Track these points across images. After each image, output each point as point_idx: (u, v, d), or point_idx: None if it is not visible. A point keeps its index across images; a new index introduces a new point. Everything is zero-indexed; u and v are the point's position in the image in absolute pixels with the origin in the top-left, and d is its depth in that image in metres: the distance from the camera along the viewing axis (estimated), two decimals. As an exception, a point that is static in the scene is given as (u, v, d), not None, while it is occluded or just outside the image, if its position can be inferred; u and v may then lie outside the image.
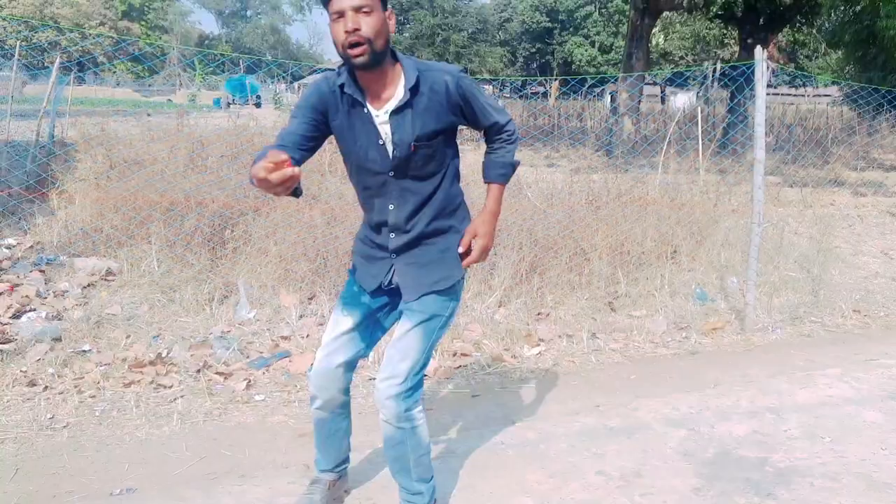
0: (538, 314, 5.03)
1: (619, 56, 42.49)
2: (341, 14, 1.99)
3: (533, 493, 2.78)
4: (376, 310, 2.44)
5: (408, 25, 45.08)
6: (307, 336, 4.55)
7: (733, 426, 3.37)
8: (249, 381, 3.87)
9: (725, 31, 33.85)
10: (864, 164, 16.23)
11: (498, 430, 3.29)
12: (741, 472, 2.95)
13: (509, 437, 3.23)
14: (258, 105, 34.30)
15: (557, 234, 5.93)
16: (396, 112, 2.14)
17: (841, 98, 29.16)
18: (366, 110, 2.15)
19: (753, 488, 2.83)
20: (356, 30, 1.98)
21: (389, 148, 2.17)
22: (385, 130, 2.17)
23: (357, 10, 1.98)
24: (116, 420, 3.36)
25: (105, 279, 5.47)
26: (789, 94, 37.98)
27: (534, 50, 51.13)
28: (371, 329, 2.46)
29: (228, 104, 33.91)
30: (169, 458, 3.05)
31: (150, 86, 47.98)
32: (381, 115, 2.16)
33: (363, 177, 2.26)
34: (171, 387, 3.78)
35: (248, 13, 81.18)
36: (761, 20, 16.19)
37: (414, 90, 2.14)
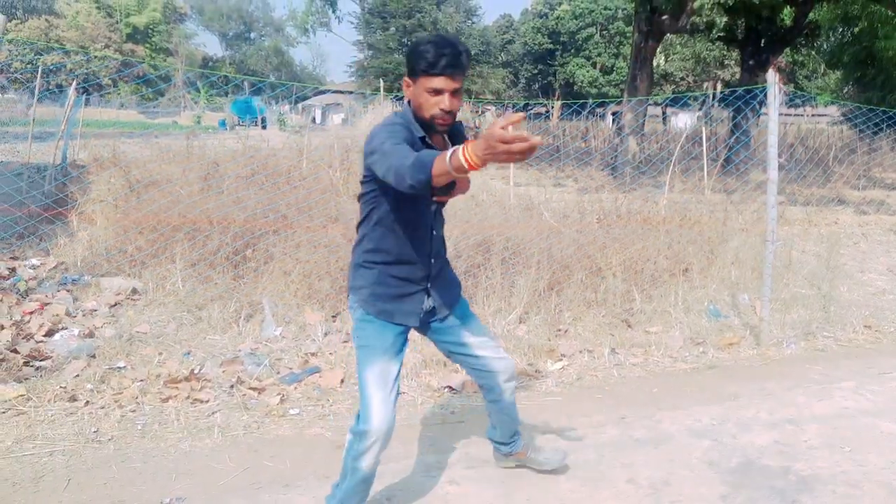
0: (557, 330, 5.16)
1: (620, 77, 42.93)
2: (440, 92, 2.26)
3: (567, 501, 2.90)
4: (402, 341, 2.56)
5: (411, 47, 45.66)
6: (333, 353, 4.67)
7: (755, 437, 3.49)
8: (283, 395, 3.99)
9: (725, 53, 34.29)
10: (865, 182, 16.41)
11: (527, 440, 3.40)
12: (766, 480, 3.07)
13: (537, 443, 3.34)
14: (264, 126, 34.55)
15: (572, 252, 6.07)
16: None
17: (840, 118, 29.45)
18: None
19: (778, 495, 2.94)
20: (451, 112, 2.29)
21: None
22: None
23: (453, 92, 2.27)
24: (159, 433, 3.49)
25: (131, 298, 5.60)
26: (789, 115, 38.30)
27: (536, 71, 51.60)
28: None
29: (234, 125, 34.14)
30: (213, 468, 3.17)
31: (154, 108, 48.34)
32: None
33: (419, 206, 2.41)
34: (207, 402, 3.90)
35: (252, 35, 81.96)
36: (762, 42, 16.43)
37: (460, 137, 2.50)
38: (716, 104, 25.99)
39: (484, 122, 24.97)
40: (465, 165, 1.85)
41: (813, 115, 38.30)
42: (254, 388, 4.10)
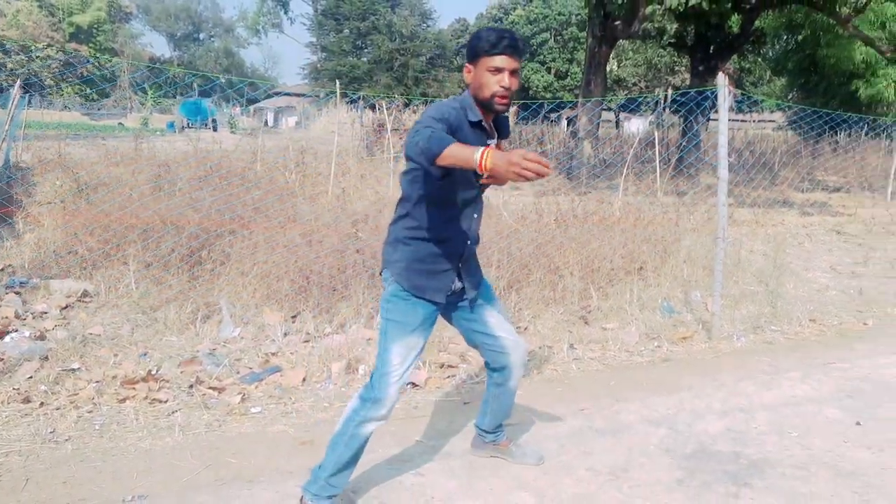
0: (517, 328, 5.23)
1: (574, 82, 43.45)
2: (500, 70, 2.44)
3: (530, 489, 2.96)
4: (433, 318, 2.69)
5: (366, 50, 45.49)
6: (294, 353, 4.66)
7: (708, 425, 3.60)
8: (244, 394, 3.98)
9: (676, 59, 35.01)
10: (809, 185, 16.95)
11: (491, 433, 3.46)
12: (719, 465, 3.18)
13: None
14: (214, 129, 34.03)
15: (531, 252, 6.16)
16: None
17: (785, 123, 30.30)
18: (488, 141, 2.59)
19: (731, 478, 3.05)
20: (510, 88, 2.47)
21: None
22: None
23: (512, 72, 2.46)
24: (118, 433, 3.45)
25: (82, 301, 5.51)
26: (736, 120, 39.29)
27: (490, 75, 51.73)
28: None
29: (183, 128, 33.56)
30: (175, 466, 3.15)
31: (99, 109, 47.24)
32: (492, 144, 2.60)
33: (465, 188, 2.56)
34: (166, 401, 3.87)
35: (201, 36, 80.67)
36: (711, 48, 16.85)
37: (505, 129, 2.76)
38: (667, 109, 26.53)
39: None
40: (477, 161, 2.08)
41: (759, 121, 39.37)
42: (214, 388, 4.07)
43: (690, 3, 11.95)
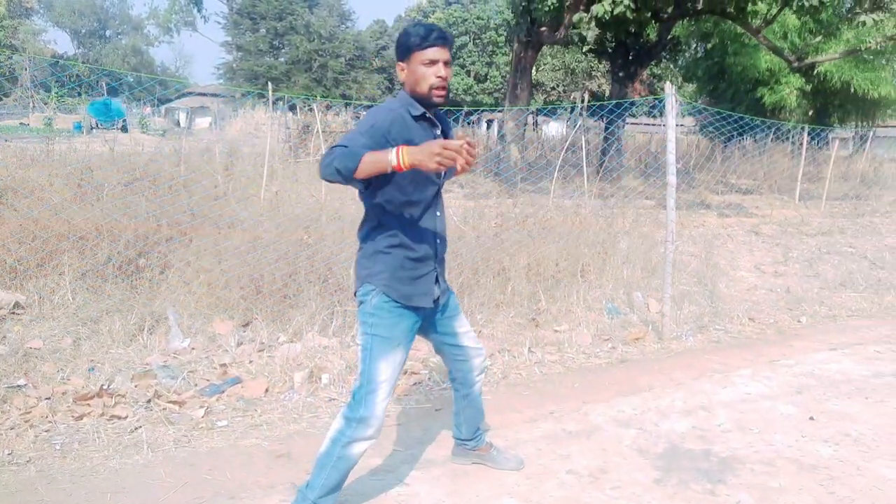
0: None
1: (494, 85, 43.98)
2: (434, 62, 2.47)
3: (515, 494, 2.99)
4: (415, 330, 2.70)
5: (284, 50, 44.72)
6: (252, 362, 4.56)
7: (674, 424, 3.73)
8: (206, 408, 3.86)
9: (593, 64, 35.93)
10: (723, 188, 17.69)
11: (468, 440, 3.47)
12: (691, 463, 3.29)
13: (480, 446, 3.42)
14: (124, 129, 32.70)
15: (479, 255, 6.22)
16: (445, 135, 2.67)
17: (696, 127, 31.51)
18: (436, 132, 2.61)
19: (705, 476, 3.17)
20: (445, 78, 2.49)
21: None
22: None
23: (445, 63, 2.49)
24: (81, 452, 3.29)
25: (14, 313, 5.23)
26: (648, 124, 40.65)
27: (410, 77, 51.72)
28: None
29: (91, 128, 32.12)
30: (150, 485, 3.03)
31: (-2, 108, 44.70)
32: (439, 135, 2.63)
33: (425, 187, 2.58)
34: (125, 417, 3.72)
35: (108, 33, 77.49)
36: (630, 55, 17.38)
37: (446, 122, 2.75)
38: (584, 114, 27.16)
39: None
40: (394, 163, 2.22)
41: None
42: (174, 402, 3.94)
43: (616, 12, 12.29)
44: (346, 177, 2.24)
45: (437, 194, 2.67)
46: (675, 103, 5.09)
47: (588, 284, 6.51)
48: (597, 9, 12.50)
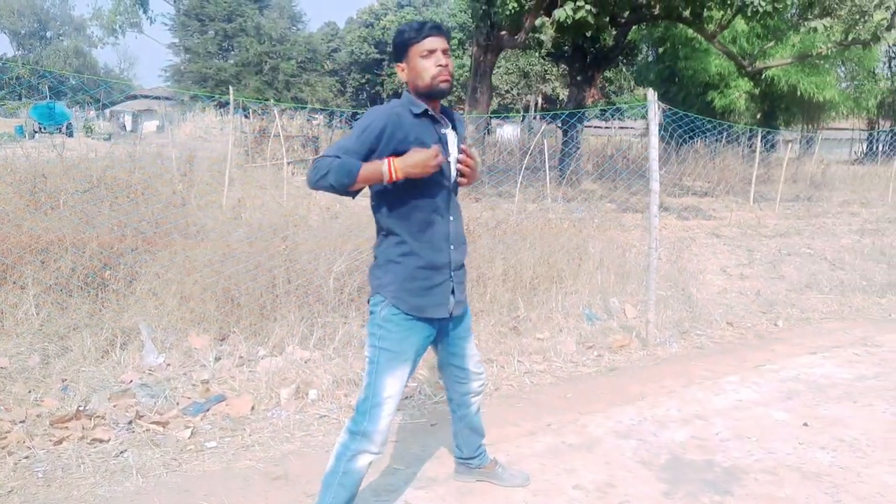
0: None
1: (446, 88, 43.81)
2: (433, 52, 2.41)
3: (525, 512, 2.93)
4: (426, 345, 2.61)
5: (233, 52, 43.97)
6: (233, 378, 4.41)
7: (673, 433, 3.71)
8: (192, 428, 3.71)
9: (547, 68, 36.19)
10: (679, 191, 17.98)
11: (469, 456, 3.39)
12: (696, 475, 3.27)
13: (482, 462, 3.34)
14: (70, 134, 31.72)
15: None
16: (457, 132, 2.57)
17: (645, 129, 32.06)
18: (444, 130, 2.51)
19: (712, 488, 3.15)
20: (446, 65, 2.42)
21: (453, 164, 2.52)
22: (451, 148, 2.52)
23: (444, 51, 2.43)
24: (66, 480, 3.11)
25: (-27, 329, 4.96)
26: (599, 127, 41.19)
27: (363, 80, 51.56)
28: None
29: (34, 133, 31.08)
30: (144, 514, 2.88)
31: (-69, 111, 43.02)
32: (449, 133, 2.53)
33: (432, 191, 2.47)
34: (108, 440, 3.54)
35: (49, 34, 75.27)
36: (588, 59, 17.55)
37: (458, 120, 2.61)
38: (537, 116, 27.40)
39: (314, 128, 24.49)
40: (387, 177, 2.28)
41: (620, 128, 41.41)
42: (157, 423, 3.77)
43: (577, 17, 12.37)
44: (339, 192, 2.24)
45: (449, 198, 2.56)
46: (658, 110, 5.10)
47: (565, 290, 6.49)
48: (558, 13, 12.56)
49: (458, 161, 2.51)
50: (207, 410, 3.96)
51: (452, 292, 2.57)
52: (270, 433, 3.69)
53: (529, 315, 5.87)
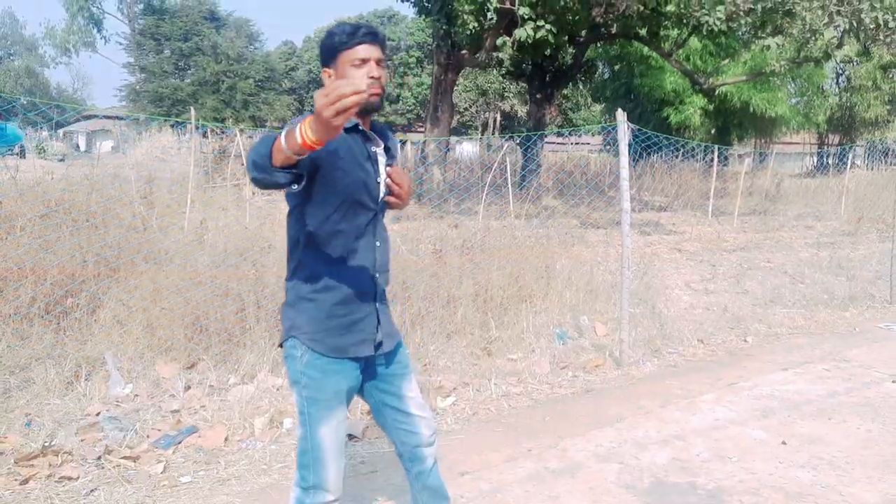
0: (424, 365, 5.13)
1: (406, 106, 43.99)
2: (365, 61, 2.15)
3: (513, 542, 2.88)
4: (357, 385, 2.31)
5: (189, 72, 43.45)
6: (204, 407, 4.29)
7: (654, 456, 3.70)
8: (165, 462, 3.59)
9: (505, 85, 36.57)
10: (638, 205, 18.20)
11: (453, 484, 3.33)
12: (680, 498, 3.26)
13: (466, 490, 3.30)
14: (22, 155, 30.90)
15: (422, 283, 6.09)
16: (388, 151, 2.32)
17: (604, 145, 32.50)
18: (372, 148, 2.25)
19: (697, 510, 3.14)
20: (379, 78, 2.16)
21: (381, 185, 2.26)
22: (382, 168, 2.27)
23: (378, 61, 2.17)
24: (35, 524, 2.98)
25: (-73, 363, 4.77)
26: (554, 143, 41.65)
27: (321, 99, 51.24)
28: None
29: (-17, 154, 30.14)
30: (118, 558, 2.76)
31: None
32: (380, 152, 2.28)
33: (355, 213, 2.20)
34: (77, 478, 3.41)
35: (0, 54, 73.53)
36: (547, 77, 17.74)
37: (389, 138, 2.35)
38: (496, 133, 27.61)
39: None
40: (299, 140, 1.76)
41: (577, 144, 41.92)
42: (127, 457, 3.64)
43: (538, 36, 12.49)
44: (264, 167, 1.85)
45: (376, 221, 2.28)
46: (627, 130, 5.15)
47: (535, 309, 6.48)
48: (519, 33, 12.68)
49: (387, 184, 2.27)
50: (179, 443, 3.84)
51: (378, 325, 2.29)
52: (246, 466, 3.59)
53: (501, 335, 5.85)
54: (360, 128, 2.21)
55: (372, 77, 2.14)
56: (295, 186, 1.96)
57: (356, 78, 2.12)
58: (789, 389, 4.72)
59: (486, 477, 3.44)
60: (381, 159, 2.28)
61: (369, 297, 2.26)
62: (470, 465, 3.57)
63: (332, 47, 2.17)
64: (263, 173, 1.85)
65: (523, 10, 12.58)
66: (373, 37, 2.17)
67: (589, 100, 32.60)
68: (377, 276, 2.28)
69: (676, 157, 22.39)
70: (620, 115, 5.18)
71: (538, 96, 17.85)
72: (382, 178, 2.27)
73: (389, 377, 2.36)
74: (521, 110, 37.78)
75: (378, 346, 2.28)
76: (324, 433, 2.19)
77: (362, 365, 2.28)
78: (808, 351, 5.72)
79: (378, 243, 2.28)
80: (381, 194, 2.26)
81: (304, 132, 1.74)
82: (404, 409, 2.39)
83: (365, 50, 2.14)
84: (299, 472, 2.24)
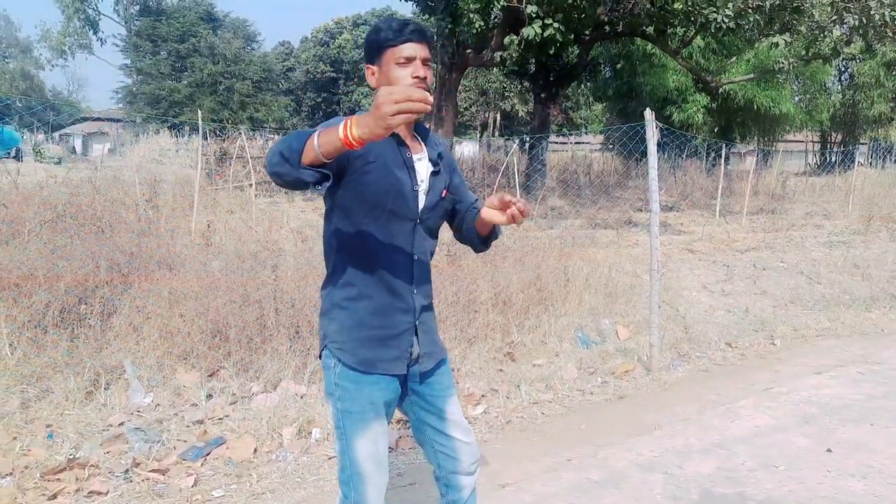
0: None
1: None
2: (411, 60, 2.05)
3: (564, 560, 2.77)
4: (396, 397, 2.18)
5: (186, 73, 43.28)
6: (228, 416, 4.18)
7: (698, 465, 3.60)
8: (196, 476, 3.47)
9: (506, 85, 36.44)
10: (644, 205, 18.09)
11: (494, 497, 3.23)
12: (731, 509, 3.15)
13: (509, 503, 3.18)
14: (19, 158, 30.74)
15: (445, 289, 5.98)
16: (434, 160, 2.18)
17: (600, 145, 32.42)
18: (409, 154, 2.12)
19: (750, 523, 3.03)
20: (424, 78, 2.05)
21: (422, 194, 2.14)
22: (422, 176, 2.14)
23: (424, 61, 2.07)
24: (66, 543, 2.86)
25: (-59, 372, 4.65)
26: (555, 142, 41.54)
27: (319, 99, 51.27)
28: None
29: (-20, 158, 29.99)
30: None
31: None
32: (422, 159, 2.15)
33: (388, 222, 2.09)
34: (106, 493, 3.30)
35: (-6, 56, 73.23)
36: (552, 76, 17.63)
37: (437, 145, 2.24)
38: (496, 133, 27.51)
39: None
40: (340, 135, 1.68)
41: (577, 143, 41.81)
42: (156, 471, 3.53)
43: (546, 35, 12.39)
44: (291, 163, 1.75)
45: (415, 232, 2.14)
46: (656, 130, 5.04)
47: (555, 313, 6.38)
48: (527, 31, 12.57)
49: (511, 215, 2.09)
50: (207, 454, 3.74)
51: (415, 342, 2.15)
52: (279, 479, 3.48)
53: (523, 340, 5.74)
54: (396, 132, 2.09)
55: (416, 77, 2.03)
56: (319, 187, 1.83)
57: (400, 77, 2.03)
58: (826, 394, 4.61)
59: (528, 489, 3.33)
60: (422, 166, 2.14)
61: (408, 313, 2.13)
62: (509, 476, 3.46)
63: (377, 43, 2.07)
64: (289, 167, 1.75)
65: (531, 9, 12.47)
66: (420, 35, 2.07)
67: (590, 99, 32.47)
68: (415, 291, 2.14)
69: (681, 156, 22.32)
70: (648, 114, 5.07)
71: (542, 96, 17.74)
72: (422, 187, 2.13)
73: (430, 397, 2.23)
74: (522, 110, 37.67)
75: (413, 363, 2.15)
76: (360, 447, 2.08)
77: (401, 378, 2.15)
78: (838, 353, 5.62)
79: (416, 257, 2.14)
80: (421, 205, 2.13)
81: (348, 127, 1.66)
82: (445, 431, 2.25)
83: (411, 48, 2.05)
84: (341, 489, 2.15)
